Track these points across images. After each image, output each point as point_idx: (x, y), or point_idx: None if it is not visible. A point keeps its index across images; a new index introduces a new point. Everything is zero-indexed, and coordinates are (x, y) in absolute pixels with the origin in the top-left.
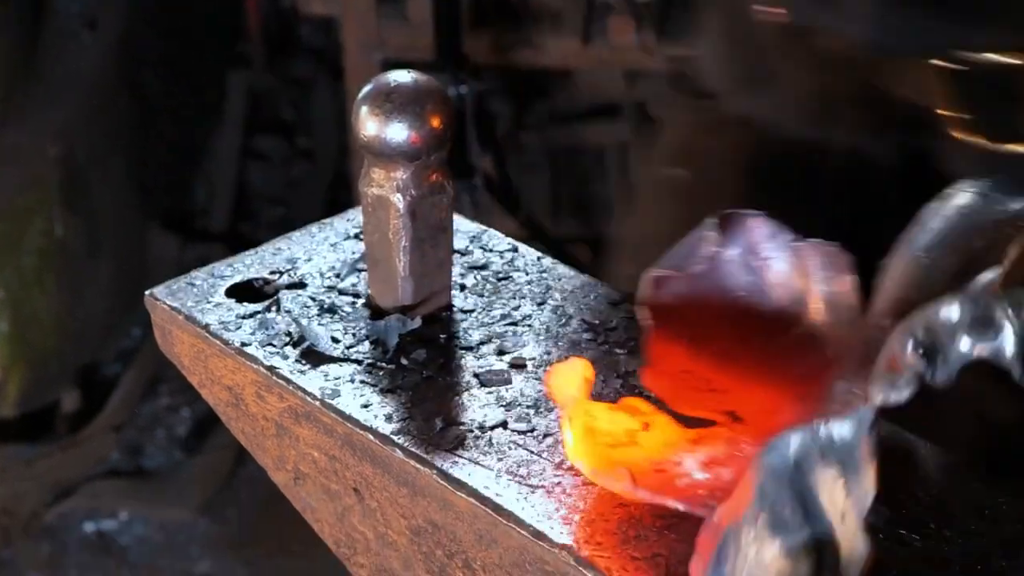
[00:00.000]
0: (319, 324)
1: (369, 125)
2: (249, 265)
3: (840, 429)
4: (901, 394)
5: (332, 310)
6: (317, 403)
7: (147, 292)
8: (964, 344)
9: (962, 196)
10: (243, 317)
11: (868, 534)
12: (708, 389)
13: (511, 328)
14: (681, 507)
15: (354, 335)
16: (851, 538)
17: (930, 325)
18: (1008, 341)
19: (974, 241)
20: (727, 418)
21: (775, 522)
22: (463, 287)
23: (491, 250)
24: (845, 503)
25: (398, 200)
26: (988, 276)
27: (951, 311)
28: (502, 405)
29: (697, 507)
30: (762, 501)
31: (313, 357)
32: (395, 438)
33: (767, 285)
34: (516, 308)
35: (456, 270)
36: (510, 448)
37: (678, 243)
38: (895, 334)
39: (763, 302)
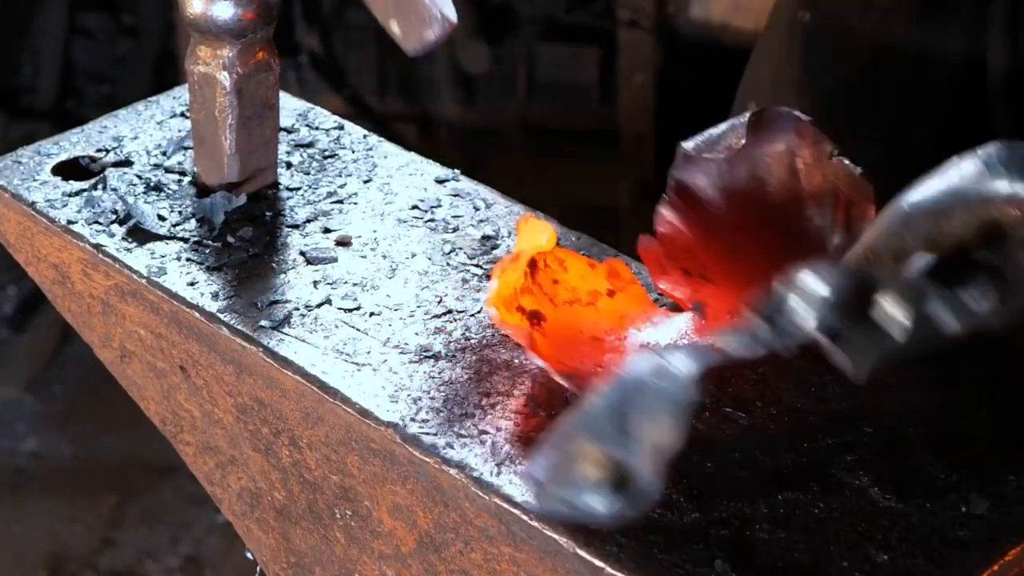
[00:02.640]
0: (145, 202)
1: (195, 2)
2: (75, 143)
3: (679, 362)
4: (749, 350)
5: (158, 188)
6: (143, 281)
7: None
8: (808, 321)
9: (969, 163)
10: (69, 195)
11: (659, 479)
12: (699, 275)
13: (337, 206)
14: (563, 382)
15: (180, 213)
16: (647, 473)
17: (799, 288)
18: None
19: (956, 212)
20: (694, 309)
21: (595, 428)
22: (289, 165)
23: (317, 128)
24: (656, 437)
25: (224, 78)
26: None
27: (817, 281)
28: (328, 283)
29: (574, 389)
30: (598, 406)
31: (139, 235)
32: (221, 316)
33: (796, 191)
34: (342, 186)
35: (282, 148)
36: (336, 326)
37: (715, 126)
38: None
39: (787, 208)
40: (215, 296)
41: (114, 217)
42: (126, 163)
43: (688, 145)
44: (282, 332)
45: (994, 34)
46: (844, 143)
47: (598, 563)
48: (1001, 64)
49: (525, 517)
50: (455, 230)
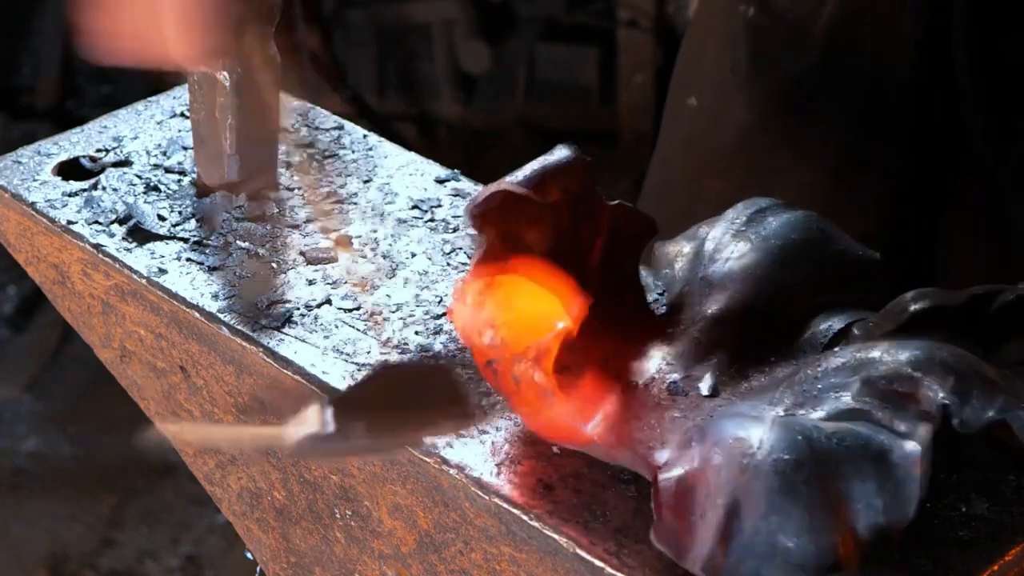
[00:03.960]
0: (145, 202)
1: None
2: (75, 143)
3: (876, 443)
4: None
5: (158, 188)
6: (143, 281)
7: None
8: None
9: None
10: (69, 195)
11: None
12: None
13: (337, 206)
14: (628, 463)
15: (180, 213)
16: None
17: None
18: None
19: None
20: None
21: (806, 518)
22: (289, 165)
23: (317, 128)
24: (880, 520)
25: (224, 78)
26: None
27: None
28: (328, 283)
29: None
30: (793, 494)
31: (139, 235)
32: (221, 316)
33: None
34: (342, 186)
35: (282, 148)
36: (336, 326)
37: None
38: (889, 353)
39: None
40: (215, 296)
41: (114, 217)
42: (126, 163)
43: (508, 187)
44: (282, 332)
45: (956, 30)
46: (804, 135)
47: (598, 563)
48: (964, 59)
49: (525, 517)
50: (455, 230)
